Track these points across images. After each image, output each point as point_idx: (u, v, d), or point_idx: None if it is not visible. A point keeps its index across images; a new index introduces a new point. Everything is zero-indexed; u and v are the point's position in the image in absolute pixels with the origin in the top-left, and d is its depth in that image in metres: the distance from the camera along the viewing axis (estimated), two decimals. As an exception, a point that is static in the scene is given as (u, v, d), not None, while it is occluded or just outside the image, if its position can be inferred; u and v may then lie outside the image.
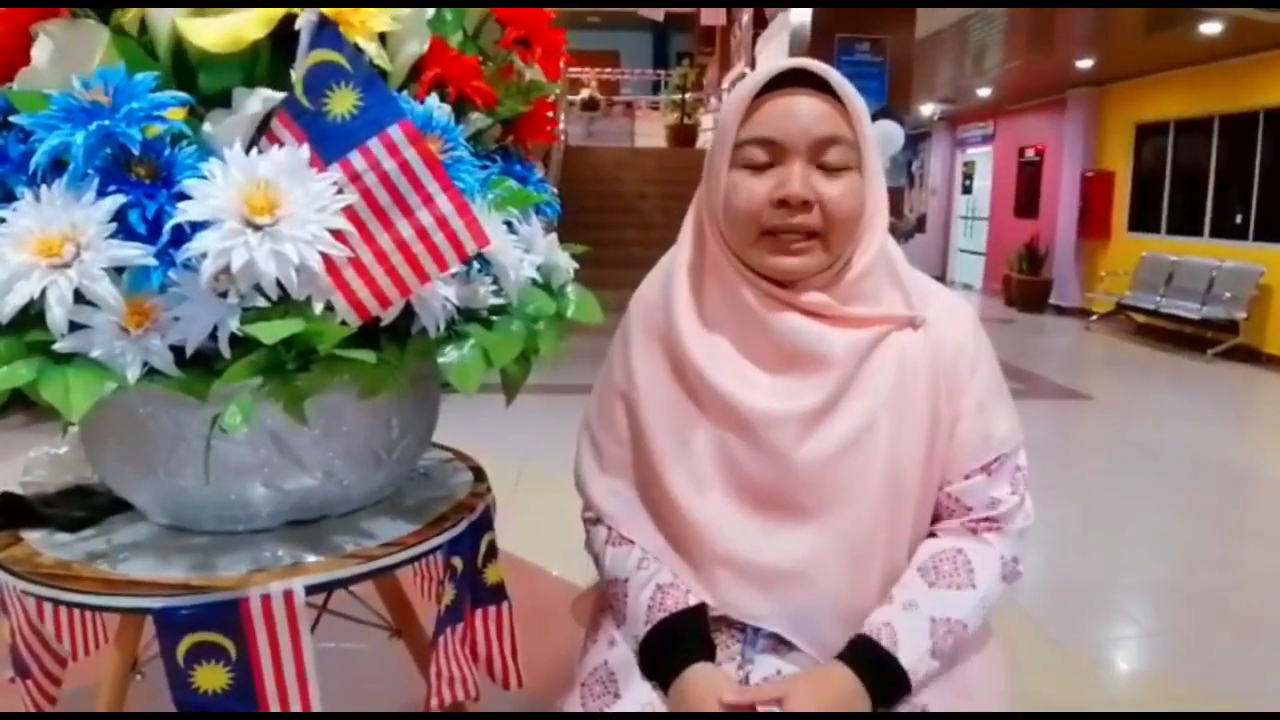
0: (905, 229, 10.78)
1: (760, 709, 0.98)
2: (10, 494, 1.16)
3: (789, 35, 7.80)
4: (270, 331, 0.81)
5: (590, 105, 15.26)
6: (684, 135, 14.08)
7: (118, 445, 1.02)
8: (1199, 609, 2.79)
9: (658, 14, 10.67)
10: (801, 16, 7.20)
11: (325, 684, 0.99)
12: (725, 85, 14.52)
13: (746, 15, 12.67)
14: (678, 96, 14.51)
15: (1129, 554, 3.26)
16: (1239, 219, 8.21)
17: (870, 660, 1.00)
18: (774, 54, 9.92)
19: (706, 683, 1.00)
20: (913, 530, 1.07)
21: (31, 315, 0.83)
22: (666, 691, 1.03)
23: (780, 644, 1.05)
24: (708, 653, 1.04)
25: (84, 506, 1.14)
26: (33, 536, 1.08)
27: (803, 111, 1.00)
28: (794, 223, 1.00)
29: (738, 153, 1.03)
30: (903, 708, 1.02)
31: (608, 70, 17.15)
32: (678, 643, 1.04)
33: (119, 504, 1.13)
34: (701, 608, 1.06)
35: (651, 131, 15.18)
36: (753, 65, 11.60)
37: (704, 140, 14.20)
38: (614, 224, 9.37)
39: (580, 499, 1.21)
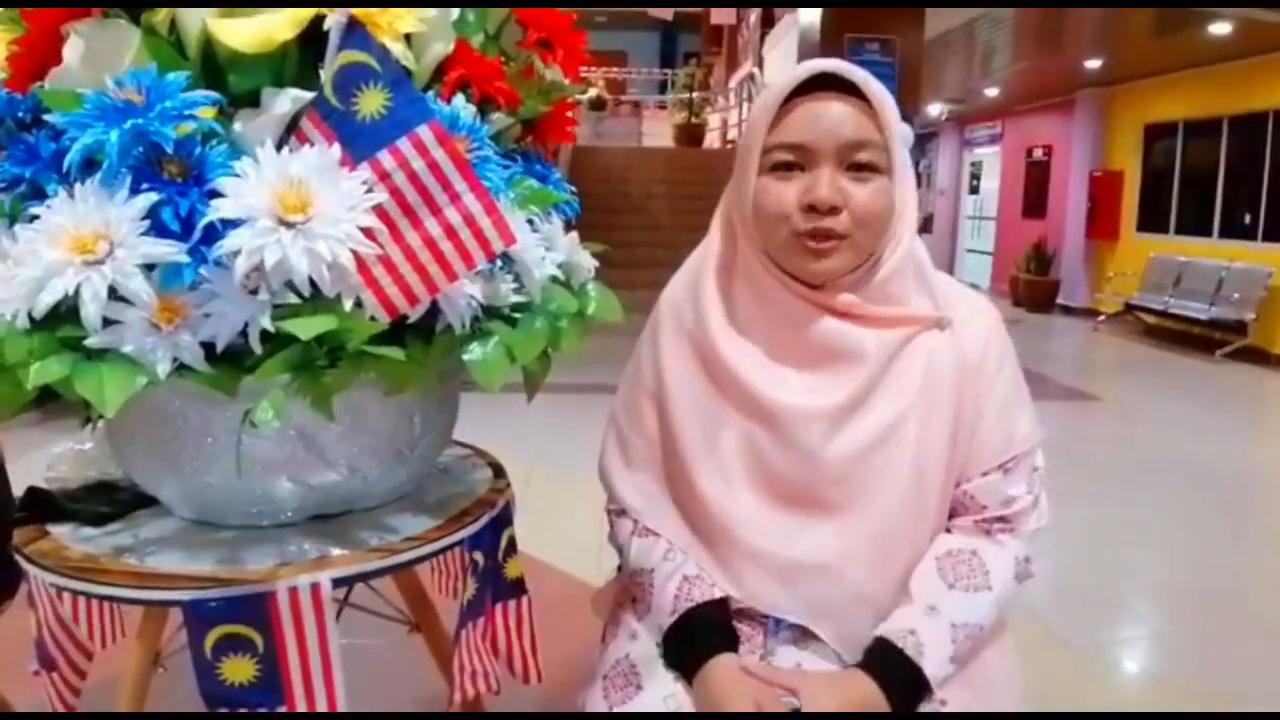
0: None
1: (773, 695, 0.99)
2: (36, 489, 1.18)
3: (797, 35, 7.80)
4: (306, 327, 0.82)
5: (598, 105, 15.24)
6: (691, 135, 14.07)
7: (146, 441, 1.03)
8: (1207, 612, 2.79)
9: (667, 13, 10.66)
10: (810, 16, 7.19)
11: (345, 679, 1.00)
12: (732, 84, 14.51)
13: (755, 14, 12.68)
14: (685, 96, 14.52)
15: (1137, 556, 3.26)
16: (1248, 220, 8.19)
17: (895, 668, 1.00)
18: (782, 54, 9.91)
19: (730, 673, 1.01)
20: (934, 525, 1.08)
21: (63, 312, 0.84)
22: (690, 682, 1.04)
23: (802, 636, 1.06)
24: (732, 644, 1.05)
25: (108, 502, 1.15)
26: (59, 531, 1.09)
27: (831, 115, 1.01)
28: (822, 227, 1.01)
29: (766, 157, 1.04)
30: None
31: (615, 70, 17.15)
32: (703, 634, 1.05)
33: (143, 499, 1.14)
34: (726, 600, 1.08)
35: (658, 131, 15.15)
36: (760, 65, 11.60)
37: (711, 140, 14.20)
38: (623, 225, 9.35)
39: (597, 491, 1.23)
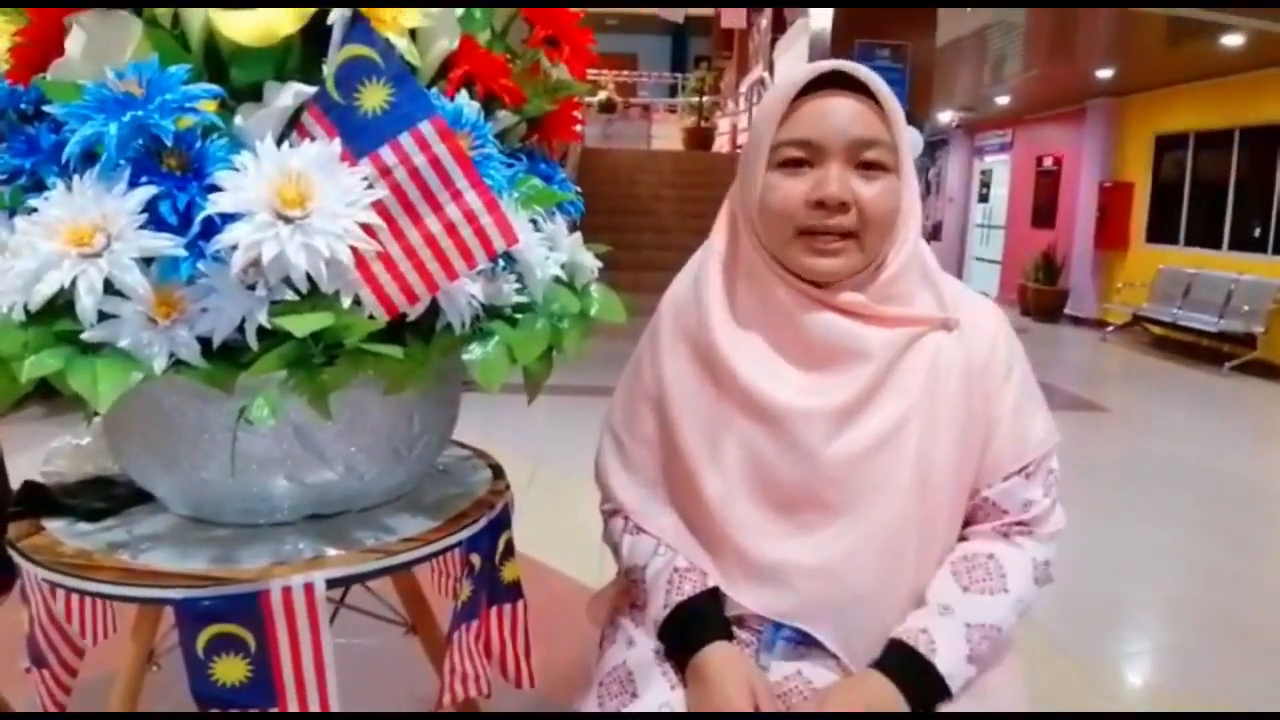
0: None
1: (766, 680, 1.00)
2: (32, 483, 1.17)
3: (808, 40, 7.78)
4: (301, 324, 0.81)
5: (608, 107, 15.26)
6: (700, 138, 14.08)
7: (142, 436, 1.02)
8: (1212, 624, 2.77)
9: (678, 15, 10.63)
10: (821, 21, 7.17)
11: (339, 679, 0.99)
12: (743, 89, 14.49)
13: (765, 19, 12.65)
14: (695, 100, 14.52)
15: (1143, 568, 3.23)
16: (1258, 232, 8.16)
17: (907, 667, 0.99)
18: (793, 59, 9.89)
19: (722, 659, 1.01)
20: (945, 532, 1.07)
21: (59, 305, 0.83)
22: (685, 671, 1.04)
23: (799, 645, 1.05)
24: (725, 633, 1.05)
25: (105, 497, 1.14)
26: (54, 526, 1.08)
27: (841, 113, 1.00)
28: (830, 224, 1.00)
29: (774, 154, 1.03)
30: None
31: (625, 73, 17.16)
32: (694, 625, 1.05)
33: (140, 495, 1.13)
34: (717, 591, 1.07)
35: (668, 134, 15.18)
36: (771, 70, 11.57)
37: (720, 144, 14.19)
38: (630, 226, 9.35)
39: (598, 494, 1.22)
